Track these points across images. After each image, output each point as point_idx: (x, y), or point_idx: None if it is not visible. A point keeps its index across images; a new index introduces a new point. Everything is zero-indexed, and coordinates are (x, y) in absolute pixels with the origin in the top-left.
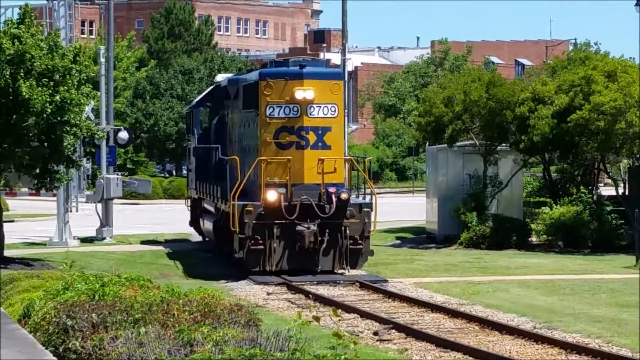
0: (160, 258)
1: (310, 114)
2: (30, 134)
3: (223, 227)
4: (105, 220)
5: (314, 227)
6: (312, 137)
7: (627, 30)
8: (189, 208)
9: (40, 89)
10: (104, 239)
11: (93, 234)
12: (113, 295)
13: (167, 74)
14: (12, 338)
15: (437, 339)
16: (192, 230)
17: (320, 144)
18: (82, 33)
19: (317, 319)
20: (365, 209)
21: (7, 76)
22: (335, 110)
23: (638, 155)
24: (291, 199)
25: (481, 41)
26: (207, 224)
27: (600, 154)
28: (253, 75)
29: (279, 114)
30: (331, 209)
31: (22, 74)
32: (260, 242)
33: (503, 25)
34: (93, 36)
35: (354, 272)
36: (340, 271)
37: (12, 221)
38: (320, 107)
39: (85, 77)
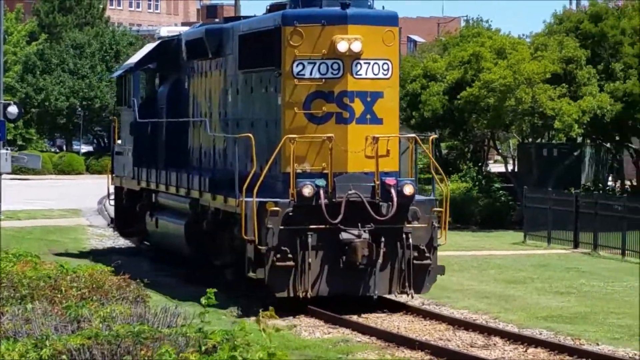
0: (52, 233)
1: (357, 74)
2: None
3: (210, 232)
4: None
5: (366, 235)
6: (358, 107)
7: (518, 8)
8: (112, 201)
9: None
10: None
11: None
12: (1, 271)
13: (58, 48)
14: None
15: (326, 315)
16: (113, 232)
17: (369, 115)
18: None
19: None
20: (434, 208)
21: None
22: (388, 69)
23: (527, 132)
24: (334, 195)
25: None
26: (168, 226)
27: (490, 130)
28: (269, 19)
29: (311, 74)
30: (391, 209)
31: None
32: (290, 256)
33: (395, 2)
34: None
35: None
36: (401, 297)
37: None
38: (369, 63)
39: None
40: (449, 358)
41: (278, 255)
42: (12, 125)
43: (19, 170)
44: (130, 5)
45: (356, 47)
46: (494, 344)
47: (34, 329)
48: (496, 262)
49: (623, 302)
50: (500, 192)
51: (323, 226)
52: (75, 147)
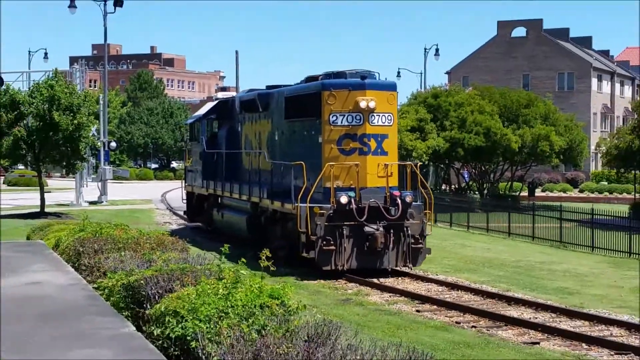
0: (135, 213)
1: (372, 122)
2: (60, 143)
3: (266, 224)
4: (103, 192)
5: (381, 229)
6: (373, 144)
7: None
8: (184, 201)
9: (65, 116)
10: (102, 202)
11: (96, 199)
12: (107, 234)
13: (138, 110)
14: (48, 258)
15: (357, 279)
16: (181, 213)
17: (379, 150)
18: (90, 86)
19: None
20: (424, 211)
21: (45, 109)
22: (391, 119)
23: (397, 158)
24: (359, 202)
25: None
26: (232, 218)
27: None
28: (312, 87)
29: (342, 122)
30: (397, 211)
31: (54, 107)
32: (332, 242)
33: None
34: (96, 88)
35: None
36: (403, 269)
37: (50, 192)
38: (379, 115)
39: (92, 111)
40: (361, 283)
41: (324, 242)
42: (112, 153)
43: (116, 178)
44: (179, 87)
45: (372, 105)
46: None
47: (125, 266)
48: None
49: (451, 252)
50: None
51: (353, 222)
52: (148, 165)
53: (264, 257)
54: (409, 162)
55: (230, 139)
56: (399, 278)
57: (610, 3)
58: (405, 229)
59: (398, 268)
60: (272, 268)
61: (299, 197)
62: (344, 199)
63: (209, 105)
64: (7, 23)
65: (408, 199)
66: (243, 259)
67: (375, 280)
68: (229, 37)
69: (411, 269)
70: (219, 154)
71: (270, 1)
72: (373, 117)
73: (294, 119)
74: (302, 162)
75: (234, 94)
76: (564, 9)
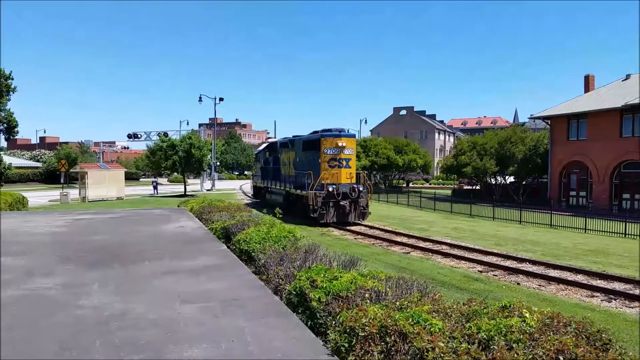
0: (227, 194)
1: (344, 152)
2: (194, 163)
3: (293, 201)
4: (213, 184)
5: (348, 203)
6: (344, 163)
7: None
8: (252, 189)
9: (196, 151)
10: (212, 190)
11: (209, 188)
12: (214, 204)
13: (229, 147)
14: (187, 215)
15: (334, 225)
16: (249, 195)
17: (347, 166)
18: (208, 136)
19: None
20: (367, 194)
21: (187, 147)
22: (352, 151)
23: None
24: (338, 190)
25: None
26: (276, 199)
27: None
28: (316, 136)
29: (329, 152)
30: (355, 194)
31: (191, 147)
32: (324, 209)
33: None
34: (210, 138)
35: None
36: (357, 221)
37: (188, 185)
38: (347, 149)
39: (208, 149)
40: (331, 227)
41: (321, 209)
42: (217, 167)
43: (219, 178)
44: (248, 137)
45: (343, 144)
46: (371, 228)
47: (222, 218)
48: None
49: (373, 213)
50: None
51: (335, 200)
52: (234, 172)
53: (278, 213)
54: (362, 172)
55: (274, 161)
56: (354, 226)
57: (448, 98)
58: (359, 202)
59: (355, 221)
60: (281, 216)
61: (309, 187)
62: (330, 189)
63: (264, 145)
64: (179, 108)
65: (361, 189)
66: (273, 215)
67: (339, 226)
68: (272, 113)
69: (361, 221)
70: (269, 167)
71: (288, 104)
72: (344, 150)
73: (307, 151)
74: (311, 171)
75: (275, 139)
76: (424, 100)
